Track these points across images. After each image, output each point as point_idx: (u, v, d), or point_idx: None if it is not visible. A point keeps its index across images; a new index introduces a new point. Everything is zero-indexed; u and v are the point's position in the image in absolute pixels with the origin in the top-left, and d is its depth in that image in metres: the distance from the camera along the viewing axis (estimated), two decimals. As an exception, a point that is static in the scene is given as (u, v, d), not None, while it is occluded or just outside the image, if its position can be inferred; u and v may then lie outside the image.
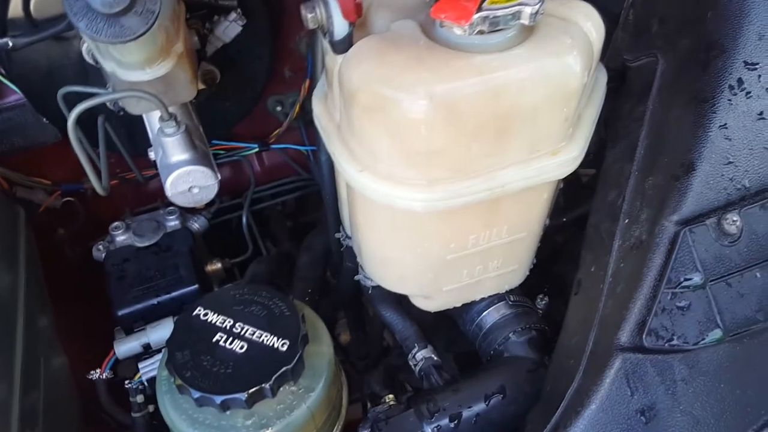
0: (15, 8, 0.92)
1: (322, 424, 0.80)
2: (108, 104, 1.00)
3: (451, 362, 1.13)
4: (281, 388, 0.73)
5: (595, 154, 0.90)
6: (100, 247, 1.12)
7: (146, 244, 1.11)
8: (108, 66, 0.78)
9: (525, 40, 0.66)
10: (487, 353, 0.97)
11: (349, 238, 0.97)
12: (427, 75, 0.64)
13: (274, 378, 0.71)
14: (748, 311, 0.71)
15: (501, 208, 0.78)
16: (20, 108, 1.11)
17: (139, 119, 0.97)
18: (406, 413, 0.87)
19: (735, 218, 0.71)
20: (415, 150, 0.68)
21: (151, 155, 0.92)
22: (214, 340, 0.74)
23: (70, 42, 0.97)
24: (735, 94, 0.71)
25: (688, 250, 0.70)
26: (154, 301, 1.03)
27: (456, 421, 0.86)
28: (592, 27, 0.69)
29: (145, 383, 0.97)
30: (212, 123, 1.14)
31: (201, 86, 1.05)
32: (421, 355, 0.95)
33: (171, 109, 0.82)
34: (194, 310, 0.77)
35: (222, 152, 1.30)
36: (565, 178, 1.15)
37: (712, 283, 0.71)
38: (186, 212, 1.18)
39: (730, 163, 0.72)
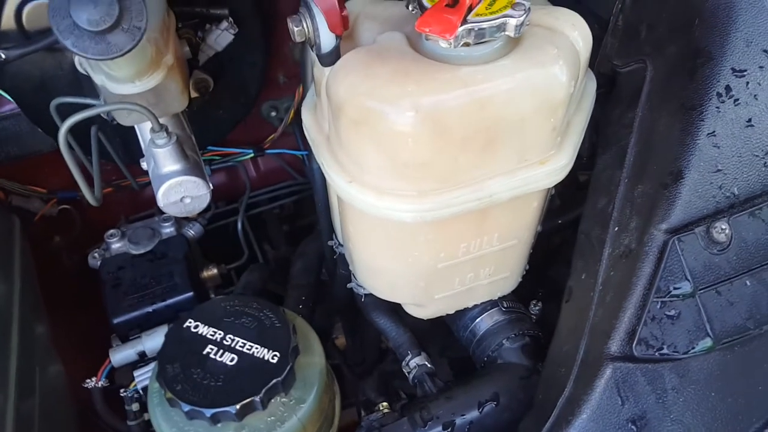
0: (7, 20, 0.92)
1: (314, 435, 0.81)
2: (102, 114, 1.00)
3: (446, 368, 1.13)
4: (272, 400, 0.73)
5: (589, 158, 0.90)
6: (96, 254, 1.12)
7: (141, 251, 1.11)
8: (98, 79, 0.78)
9: (511, 51, 0.66)
10: (480, 360, 0.97)
11: (342, 245, 0.97)
12: (413, 87, 0.64)
13: (264, 390, 0.71)
14: (737, 319, 0.71)
15: (491, 217, 0.78)
16: (15, 117, 1.11)
17: (133, 129, 0.97)
18: (400, 422, 0.87)
19: (724, 226, 0.71)
20: (402, 162, 0.68)
21: (144, 165, 0.92)
22: (205, 352, 0.74)
23: (63, 53, 0.97)
24: (723, 102, 0.71)
25: (677, 258, 0.70)
26: (150, 308, 1.04)
27: (449, 429, 0.86)
28: (579, 36, 0.69)
29: (141, 391, 0.97)
30: (206, 130, 1.15)
31: (194, 94, 1.06)
32: (415, 363, 0.95)
33: (162, 120, 0.82)
34: (185, 323, 0.77)
35: (217, 158, 1.30)
36: (561, 181, 1.16)
37: (702, 291, 0.71)
38: (181, 219, 1.18)
39: (719, 170, 0.71)
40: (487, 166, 0.70)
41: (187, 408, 0.70)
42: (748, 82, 0.72)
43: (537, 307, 1.02)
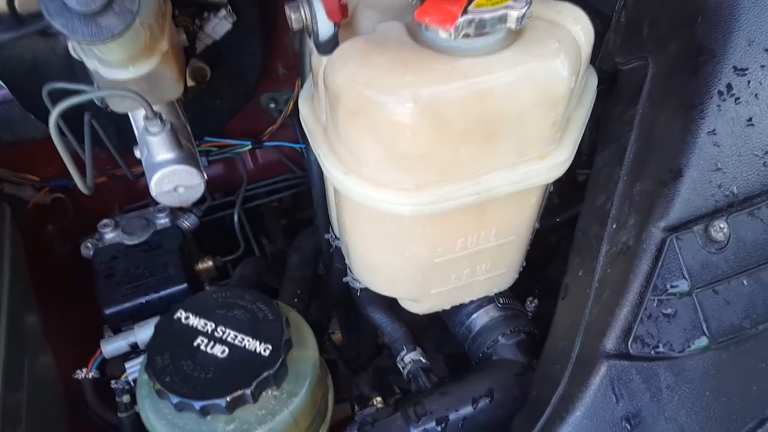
0: (-1, 3, 0.91)
1: (306, 429, 0.80)
2: (95, 101, 0.99)
3: (442, 363, 1.13)
4: (263, 394, 0.72)
5: (588, 156, 0.89)
6: (89, 244, 1.11)
7: (135, 242, 1.10)
8: (90, 64, 0.77)
9: (512, 44, 0.65)
10: (476, 356, 0.96)
11: (338, 239, 0.96)
12: (412, 78, 0.63)
13: (255, 383, 0.70)
14: (734, 319, 0.71)
15: (489, 211, 0.77)
16: (8, 103, 1.09)
17: (127, 117, 0.96)
18: (393, 416, 0.86)
19: (722, 225, 0.70)
20: (400, 153, 0.67)
21: (137, 153, 0.91)
22: (195, 344, 0.73)
23: (56, 38, 0.96)
24: (724, 100, 0.71)
25: (675, 256, 0.70)
26: (143, 300, 1.03)
27: (443, 425, 0.85)
28: (581, 30, 0.68)
29: (132, 383, 0.96)
30: (203, 120, 1.14)
31: (191, 83, 1.04)
32: (410, 358, 0.95)
33: (156, 108, 0.81)
34: (175, 314, 0.76)
35: (215, 149, 1.29)
36: (561, 178, 1.15)
37: (699, 290, 0.70)
38: (176, 210, 1.17)
39: (719, 169, 0.71)
40: (487, 160, 0.69)
41: (176, 400, 0.69)
42: (749, 81, 0.71)
43: (533, 304, 1.01)
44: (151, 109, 0.79)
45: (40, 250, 1.17)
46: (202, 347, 0.73)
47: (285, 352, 0.73)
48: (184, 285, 1.04)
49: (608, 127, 0.84)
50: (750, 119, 0.71)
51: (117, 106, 0.85)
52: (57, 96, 0.81)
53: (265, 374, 0.71)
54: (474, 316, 0.97)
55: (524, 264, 0.95)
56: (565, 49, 0.65)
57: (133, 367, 0.96)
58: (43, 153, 1.15)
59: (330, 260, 1.05)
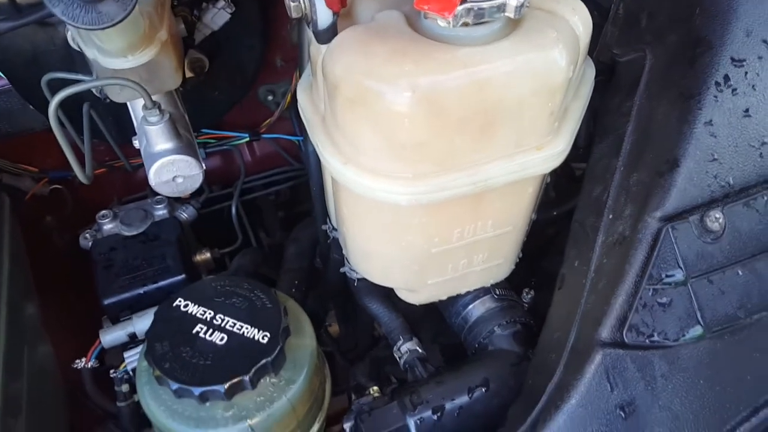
0: (-1, -7, 0.90)
1: (304, 416, 0.80)
2: (94, 91, 0.99)
3: (438, 354, 1.13)
4: (261, 380, 0.73)
5: (585, 149, 0.90)
6: (87, 235, 1.11)
7: (133, 233, 1.10)
8: (90, 53, 0.77)
9: (510, 34, 0.66)
10: (472, 346, 0.97)
11: (336, 230, 0.96)
12: (411, 67, 0.63)
13: (253, 370, 0.70)
14: (728, 308, 0.71)
15: (486, 202, 0.78)
16: (7, 94, 1.09)
17: (126, 108, 0.96)
18: (390, 405, 0.87)
19: (718, 215, 0.71)
20: (398, 143, 0.67)
21: (136, 144, 0.91)
22: (194, 331, 0.74)
23: (56, 28, 0.96)
24: (721, 91, 0.71)
25: (671, 246, 0.70)
26: (141, 290, 1.03)
27: (439, 414, 0.86)
28: (579, 21, 0.69)
29: (131, 373, 0.96)
30: (201, 111, 1.14)
31: (189, 74, 1.05)
32: (406, 348, 0.95)
33: (155, 98, 0.81)
34: (174, 301, 0.77)
35: (212, 141, 1.29)
36: (558, 171, 1.16)
37: (694, 279, 0.71)
38: (174, 201, 1.17)
39: (715, 160, 0.71)
40: (484, 150, 0.70)
41: (175, 386, 0.69)
42: (746, 72, 0.72)
43: (529, 296, 1.02)
44: (150, 98, 0.79)
45: (39, 241, 1.18)
46: (201, 334, 0.73)
47: (283, 340, 0.74)
48: (182, 276, 1.05)
49: (606, 118, 0.85)
50: (747, 110, 0.71)
51: (116, 95, 0.85)
52: (56, 86, 0.81)
53: (264, 361, 0.71)
54: (470, 306, 0.97)
55: (521, 255, 0.96)
56: (563, 39, 0.66)
57: (132, 357, 0.97)
58: (42, 144, 1.15)
59: (327, 251, 1.05)
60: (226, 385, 0.69)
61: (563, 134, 0.73)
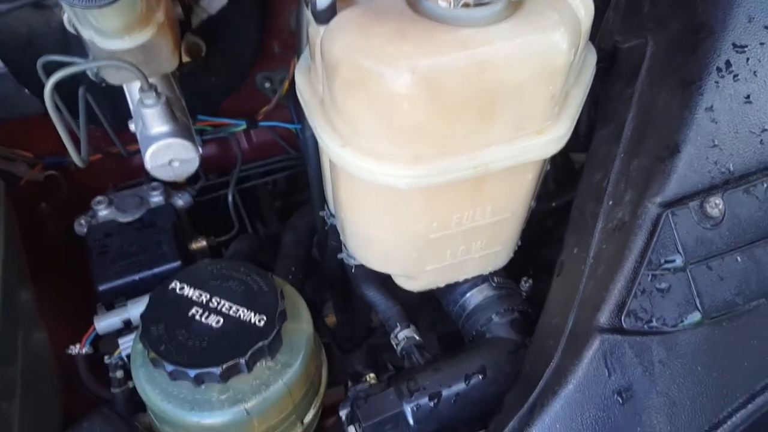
0: (-7, -26, 0.89)
1: (300, 401, 0.80)
2: (90, 75, 0.98)
3: (435, 342, 1.13)
4: (257, 364, 0.72)
5: (586, 137, 0.89)
6: (82, 221, 1.11)
7: (129, 219, 1.10)
8: (86, 33, 0.76)
9: (512, 15, 0.65)
10: (469, 334, 0.97)
11: (333, 216, 0.96)
12: (410, 48, 0.63)
13: (249, 353, 0.70)
14: (727, 295, 0.71)
15: (485, 187, 0.77)
16: (1, 78, 1.08)
17: (122, 92, 0.96)
18: (386, 392, 0.86)
19: (718, 201, 0.70)
20: (397, 125, 0.67)
21: (132, 127, 0.90)
22: (190, 314, 0.73)
23: (51, 10, 0.95)
24: (722, 77, 0.71)
25: (670, 232, 0.70)
26: (136, 277, 1.02)
27: (436, 400, 0.86)
28: (581, 4, 0.68)
29: (125, 359, 0.96)
30: (197, 98, 1.13)
31: (186, 59, 1.04)
32: (403, 335, 0.95)
33: (152, 80, 0.81)
34: (170, 284, 0.76)
35: (209, 129, 1.28)
36: (558, 163, 1.16)
37: (693, 265, 0.70)
38: (170, 189, 1.17)
39: (715, 146, 0.71)
40: (484, 133, 0.69)
41: (170, 368, 0.69)
42: (748, 58, 0.71)
43: (527, 284, 1.02)
44: (147, 80, 0.79)
45: (34, 226, 1.17)
46: (197, 317, 0.73)
47: (279, 323, 0.73)
48: (178, 262, 1.04)
49: (607, 106, 0.84)
50: (748, 96, 0.71)
51: (112, 77, 0.84)
52: (52, 69, 0.80)
53: (260, 344, 0.71)
54: (468, 294, 0.97)
55: (519, 244, 0.96)
56: (565, 22, 0.65)
57: (126, 343, 0.96)
58: (37, 129, 1.14)
59: (325, 238, 1.05)
60: (222, 368, 0.69)
61: (564, 119, 0.73)
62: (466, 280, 0.97)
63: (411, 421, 0.84)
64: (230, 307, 0.74)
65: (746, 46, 0.71)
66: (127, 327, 0.99)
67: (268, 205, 1.46)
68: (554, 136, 0.72)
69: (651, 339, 0.70)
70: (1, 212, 1.01)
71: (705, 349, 0.71)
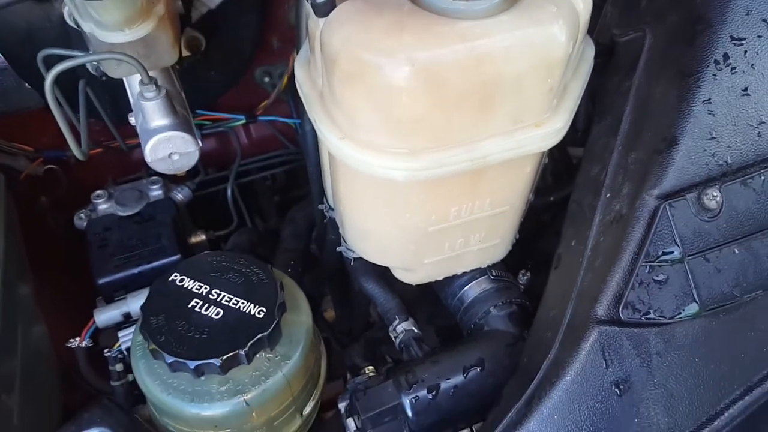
0: (-7, -33, 0.89)
1: (299, 392, 0.80)
2: (90, 69, 0.98)
3: (433, 335, 1.13)
4: (257, 355, 0.73)
5: (584, 131, 0.90)
6: (82, 215, 1.11)
7: (128, 213, 1.10)
8: (86, 26, 0.76)
9: (510, 8, 0.65)
10: (467, 327, 0.97)
11: (332, 209, 0.96)
12: (409, 40, 0.63)
13: (249, 344, 0.70)
14: (724, 287, 0.71)
15: (483, 180, 0.78)
16: (2, 72, 1.09)
17: (122, 87, 0.96)
18: (385, 384, 0.87)
19: (715, 194, 0.71)
20: (396, 117, 0.67)
21: (132, 120, 0.90)
22: (190, 305, 0.73)
23: (51, 4, 0.95)
24: (720, 69, 0.71)
25: (668, 224, 0.70)
26: (135, 270, 1.03)
27: (434, 392, 0.86)
28: (579, -4, 0.68)
29: (125, 352, 0.96)
30: (197, 92, 1.13)
31: (185, 53, 1.04)
32: (402, 328, 0.95)
33: (152, 73, 0.81)
34: (170, 276, 0.76)
35: (208, 123, 1.28)
36: (555, 157, 1.16)
37: (690, 257, 0.71)
38: (169, 183, 1.17)
39: (713, 138, 0.71)
40: (482, 126, 0.69)
41: (170, 359, 0.69)
42: (746, 51, 0.72)
43: (525, 277, 1.02)
44: (147, 73, 0.79)
45: (34, 220, 1.17)
46: (197, 309, 0.73)
47: (279, 315, 0.74)
48: (177, 256, 1.04)
49: (605, 99, 0.85)
50: (745, 89, 0.71)
51: (113, 71, 0.84)
52: (52, 63, 0.80)
53: (260, 336, 0.71)
54: (466, 287, 0.97)
55: (517, 237, 0.96)
56: (563, 15, 0.65)
57: (126, 336, 0.97)
58: (37, 123, 1.14)
59: (323, 231, 1.05)
60: (222, 359, 0.69)
61: (562, 112, 0.73)
62: (464, 273, 0.97)
63: (410, 413, 0.85)
64: (230, 299, 0.74)
65: (744, 39, 0.71)
66: (127, 320, 1.00)
67: (267, 199, 1.47)
68: (552, 129, 0.73)
69: (648, 331, 0.70)
70: (1, 206, 1.01)
71: (702, 341, 0.71)
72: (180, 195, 1.17)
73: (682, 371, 0.71)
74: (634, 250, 0.70)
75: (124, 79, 0.92)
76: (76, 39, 0.94)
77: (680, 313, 0.70)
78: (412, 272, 0.92)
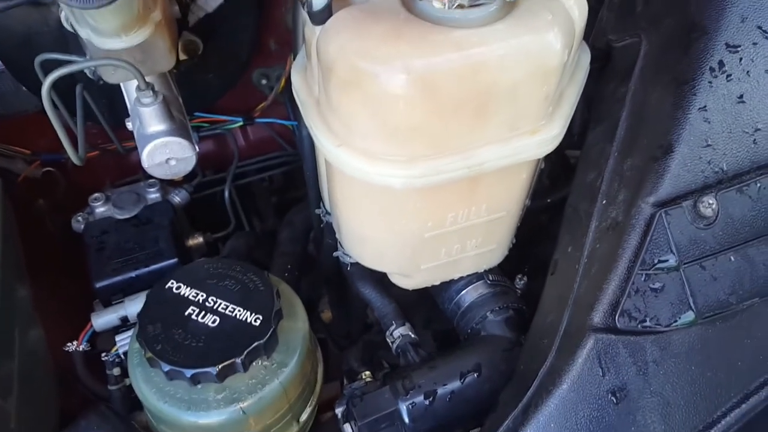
0: (-10, -28, 0.89)
1: (296, 400, 0.80)
2: (87, 73, 0.98)
3: (430, 340, 1.13)
4: (253, 363, 0.73)
5: (580, 135, 0.90)
6: (80, 218, 1.11)
7: (126, 216, 1.10)
8: (83, 33, 0.76)
9: (506, 16, 0.65)
10: (464, 332, 0.97)
11: (329, 214, 0.96)
12: (405, 49, 0.63)
13: (245, 352, 0.70)
14: (720, 294, 0.71)
15: (480, 186, 0.78)
16: (-1, 75, 1.09)
17: (120, 90, 0.96)
18: (382, 390, 0.87)
19: (711, 201, 0.71)
20: (392, 125, 0.67)
21: (129, 125, 0.90)
22: (186, 313, 0.73)
23: (49, 8, 0.95)
24: (715, 77, 0.71)
25: (664, 232, 0.70)
26: (133, 274, 1.03)
27: (431, 398, 0.86)
28: (575, 4, 0.68)
29: (122, 356, 0.96)
30: (195, 95, 1.13)
31: (183, 57, 1.04)
32: (399, 333, 0.95)
33: (149, 79, 0.81)
34: (167, 283, 0.76)
35: (206, 125, 1.28)
36: (552, 159, 1.16)
37: (686, 265, 0.71)
38: (167, 185, 1.17)
39: (709, 145, 0.71)
40: (479, 133, 0.69)
41: (167, 368, 0.69)
42: (741, 58, 0.72)
43: (522, 282, 1.02)
44: (144, 79, 0.79)
45: (31, 223, 1.17)
46: (194, 317, 0.73)
47: (275, 323, 0.74)
48: (175, 259, 1.04)
49: (601, 105, 0.85)
50: (741, 96, 0.71)
51: (110, 76, 0.84)
52: (50, 67, 0.80)
53: (256, 344, 0.71)
54: (463, 292, 0.97)
55: (514, 241, 0.96)
56: (558, 22, 0.65)
57: (123, 340, 0.97)
58: (34, 126, 1.14)
59: (321, 235, 1.05)
60: (218, 368, 0.69)
61: (558, 119, 0.73)
62: (461, 278, 0.97)
63: (406, 419, 0.85)
64: (226, 307, 0.74)
65: (739, 46, 0.71)
66: (124, 324, 1.00)
67: (264, 201, 1.47)
68: (548, 136, 0.73)
69: (645, 339, 0.71)
70: (-2, 208, 1.01)
71: (699, 349, 0.71)
72: (177, 198, 1.17)
73: (679, 379, 0.71)
74: (630, 258, 0.71)
75: (121, 84, 0.92)
76: (73, 43, 0.93)
77: (676, 321, 0.71)
78: (409, 277, 0.92)
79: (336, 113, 0.69)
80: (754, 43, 0.71)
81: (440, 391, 0.87)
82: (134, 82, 0.81)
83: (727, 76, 0.71)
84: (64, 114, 0.92)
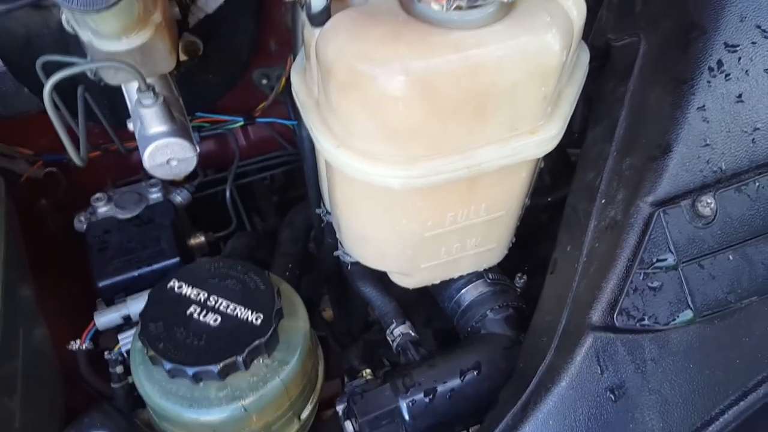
0: (-9, -26, 0.90)
1: (297, 398, 0.81)
2: (89, 74, 0.98)
3: (430, 338, 1.14)
4: (255, 361, 0.73)
5: (580, 134, 0.90)
6: (82, 218, 1.12)
7: (128, 216, 1.10)
8: (84, 35, 0.77)
9: (504, 17, 0.65)
10: (464, 330, 0.98)
11: (329, 213, 0.97)
12: (404, 50, 0.63)
13: (247, 351, 0.71)
14: (719, 293, 0.72)
15: (479, 186, 0.78)
16: (1, 76, 1.09)
17: (121, 91, 0.96)
18: (382, 387, 0.88)
19: (710, 200, 0.71)
20: (391, 126, 0.67)
21: (130, 126, 0.91)
22: (188, 312, 0.74)
23: (50, 11, 0.95)
24: (714, 76, 0.71)
25: (662, 231, 0.71)
26: (135, 273, 1.03)
27: (431, 396, 0.87)
28: (573, 4, 0.68)
29: (125, 354, 0.97)
30: (195, 96, 1.13)
31: (183, 57, 1.04)
32: (399, 331, 0.96)
33: (149, 80, 0.81)
34: (169, 283, 0.77)
35: (206, 125, 1.28)
36: (553, 157, 1.16)
37: (685, 264, 0.71)
38: (169, 185, 1.17)
39: (707, 145, 0.72)
40: (478, 134, 0.70)
41: (169, 366, 0.70)
42: (740, 58, 0.72)
43: (522, 281, 1.02)
44: (144, 81, 0.79)
45: (34, 223, 1.18)
46: (195, 315, 0.74)
47: (276, 322, 0.74)
48: (177, 259, 1.05)
49: (600, 104, 0.85)
50: (740, 95, 0.72)
51: (111, 78, 0.85)
52: (51, 69, 0.81)
53: (257, 342, 0.72)
54: (463, 290, 0.98)
55: (514, 240, 0.96)
56: (557, 23, 0.65)
57: (126, 339, 0.97)
58: (36, 127, 1.14)
59: (321, 235, 1.06)
60: (220, 366, 0.70)
61: (557, 119, 0.73)
62: (461, 277, 0.98)
63: (406, 417, 0.86)
64: (228, 306, 0.75)
65: (738, 46, 0.72)
66: (127, 323, 1.00)
67: (265, 200, 1.47)
68: (547, 136, 0.73)
69: (643, 337, 0.71)
70: (1, 209, 1.02)
71: (697, 347, 0.72)
72: (179, 197, 1.17)
73: (677, 377, 0.71)
74: (629, 257, 0.71)
75: (123, 86, 0.92)
76: (74, 45, 0.94)
77: (675, 320, 0.71)
78: (409, 276, 0.93)
79: (335, 114, 0.70)
80: (753, 43, 0.71)
81: (440, 388, 0.87)
82: (135, 84, 0.81)
83: (726, 75, 0.71)
84: (66, 114, 0.92)
